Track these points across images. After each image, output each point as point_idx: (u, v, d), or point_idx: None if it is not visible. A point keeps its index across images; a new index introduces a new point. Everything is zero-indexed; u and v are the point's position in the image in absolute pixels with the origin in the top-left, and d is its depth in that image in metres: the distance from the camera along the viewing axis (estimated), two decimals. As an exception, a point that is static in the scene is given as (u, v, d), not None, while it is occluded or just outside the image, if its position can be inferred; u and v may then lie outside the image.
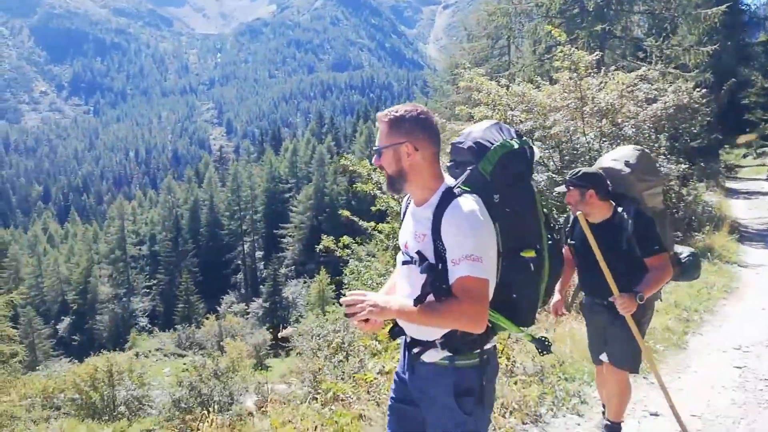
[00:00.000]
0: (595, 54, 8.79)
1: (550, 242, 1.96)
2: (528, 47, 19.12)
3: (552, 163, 8.32)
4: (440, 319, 1.79)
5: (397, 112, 1.87)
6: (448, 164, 2.05)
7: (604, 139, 8.00)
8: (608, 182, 3.14)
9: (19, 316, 32.87)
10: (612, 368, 3.27)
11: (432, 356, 1.90)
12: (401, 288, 2.03)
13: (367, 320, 1.83)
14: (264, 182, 51.81)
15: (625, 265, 3.07)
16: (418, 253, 1.86)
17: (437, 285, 1.78)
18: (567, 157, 8.17)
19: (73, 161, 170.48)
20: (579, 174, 3.17)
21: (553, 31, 9.78)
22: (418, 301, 1.78)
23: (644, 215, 3.07)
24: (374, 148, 1.95)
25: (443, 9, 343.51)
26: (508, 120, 7.89)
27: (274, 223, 48.69)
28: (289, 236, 47.71)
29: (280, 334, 21.90)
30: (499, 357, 4.41)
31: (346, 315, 1.84)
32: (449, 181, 1.94)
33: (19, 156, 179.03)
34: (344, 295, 1.89)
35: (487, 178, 1.87)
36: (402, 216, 2.11)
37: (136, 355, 23.63)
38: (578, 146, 8.12)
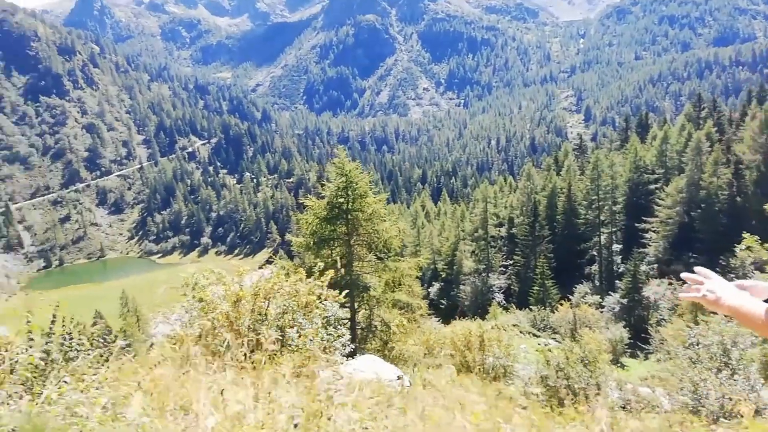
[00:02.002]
0: None
1: None
2: None
3: None
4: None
5: None
6: None
7: None
8: None
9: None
10: None
11: None
12: None
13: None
14: (627, 171, 48.69)
15: None
16: None
17: None
18: None
19: (444, 148, 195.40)
20: None
21: None
22: None
23: None
24: None
25: None
26: None
27: (635, 216, 45.41)
28: (653, 231, 43.72)
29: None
30: None
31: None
32: None
33: (405, 144, 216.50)
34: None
35: None
36: None
37: (504, 328, 25.53)
38: None
